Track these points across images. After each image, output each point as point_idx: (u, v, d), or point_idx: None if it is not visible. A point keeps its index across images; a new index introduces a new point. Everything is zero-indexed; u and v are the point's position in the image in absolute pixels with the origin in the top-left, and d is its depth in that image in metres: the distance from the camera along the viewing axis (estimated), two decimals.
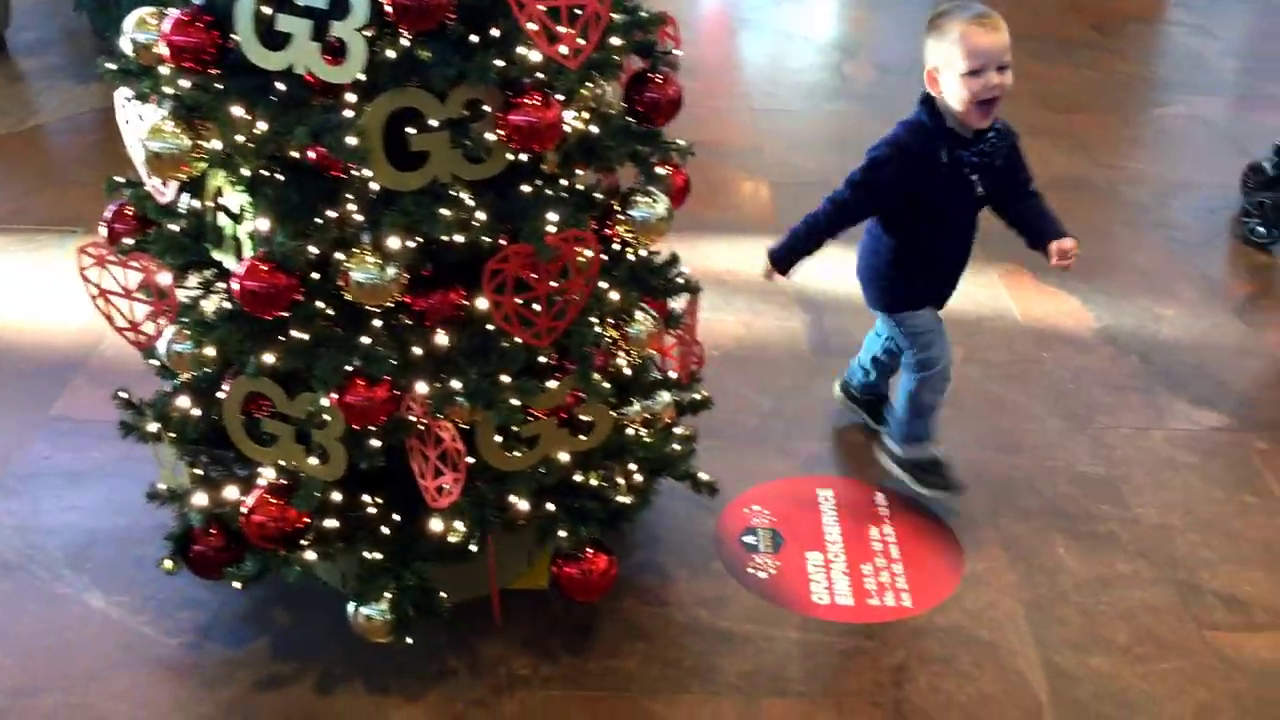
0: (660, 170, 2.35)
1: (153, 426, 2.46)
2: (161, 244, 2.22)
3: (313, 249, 2.06)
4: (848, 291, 3.99)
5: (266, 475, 2.32)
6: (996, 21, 2.58)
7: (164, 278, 2.27)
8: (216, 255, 2.23)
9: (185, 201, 2.28)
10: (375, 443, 2.20)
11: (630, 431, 2.52)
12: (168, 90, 2.07)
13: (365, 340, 2.13)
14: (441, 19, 1.96)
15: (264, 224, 2.05)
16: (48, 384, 3.33)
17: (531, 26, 1.94)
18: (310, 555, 2.30)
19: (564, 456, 2.37)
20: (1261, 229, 4.39)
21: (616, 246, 2.45)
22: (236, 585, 2.33)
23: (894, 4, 7.84)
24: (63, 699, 2.35)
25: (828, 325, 3.83)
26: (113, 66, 2.21)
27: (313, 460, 2.20)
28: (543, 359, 2.30)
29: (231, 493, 2.38)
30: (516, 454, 2.28)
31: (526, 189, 2.17)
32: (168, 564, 2.39)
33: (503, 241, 2.12)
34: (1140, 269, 4.25)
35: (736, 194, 4.82)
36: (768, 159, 5.17)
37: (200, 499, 2.37)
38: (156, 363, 2.45)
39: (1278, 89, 6.22)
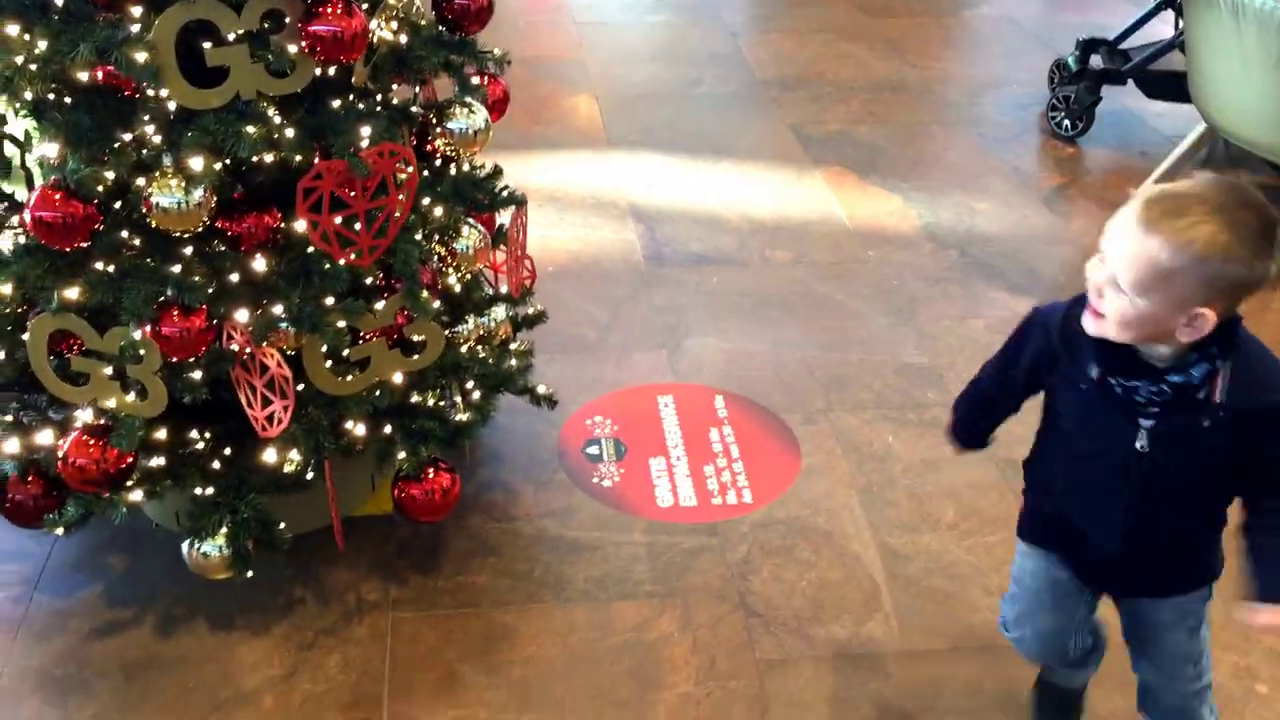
0: (476, 80, 2.30)
1: None
2: None
3: (109, 174, 1.96)
4: (682, 203, 4.04)
5: (82, 417, 2.22)
6: (1152, 209, 1.51)
7: None
8: (5, 186, 2.10)
9: None
10: (196, 375, 2.12)
11: (465, 349, 2.50)
12: None
13: (176, 269, 2.05)
14: None
15: (53, 150, 1.94)
16: None
17: None
18: (136, 495, 2.22)
19: (398, 378, 2.33)
20: (1067, 122, 4.57)
21: (438, 162, 2.41)
22: (59, 532, 2.23)
23: None
24: None
25: (660, 235, 3.84)
26: None
27: (130, 397, 2.11)
28: (368, 280, 2.26)
29: (46, 437, 2.27)
30: (348, 378, 2.24)
31: (336, 103, 2.10)
32: None
33: (315, 159, 2.05)
34: (955, 166, 4.39)
35: (563, 109, 4.77)
36: (592, 72, 5.12)
37: (12, 446, 2.26)
38: None
39: None
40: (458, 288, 2.50)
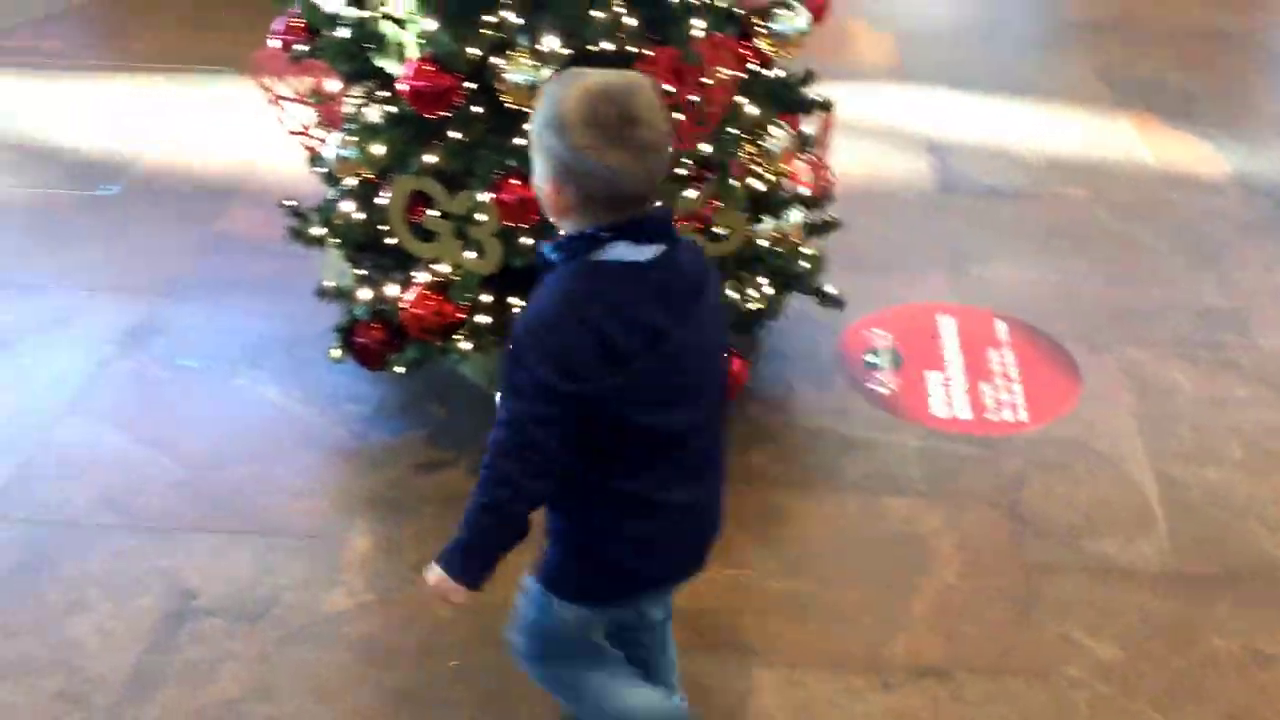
0: None
1: (318, 231, 2.67)
2: (331, 50, 2.38)
3: (473, 50, 2.20)
4: (976, 137, 4.04)
5: (422, 277, 2.50)
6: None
7: (332, 84, 2.44)
8: (380, 62, 2.38)
9: (351, 14, 2.43)
10: (528, 240, 2.36)
11: (763, 244, 2.64)
12: None
13: (519, 141, 2.28)
14: None
15: (430, 24, 2.20)
16: (207, 205, 3.57)
17: None
18: (465, 345, 2.49)
19: None
20: None
21: (755, 66, 2.56)
22: (399, 370, 2.53)
23: None
24: (248, 471, 2.60)
25: (953, 166, 3.87)
26: None
27: (470, 254, 2.37)
28: (682, 170, 2.43)
29: (392, 290, 2.57)
30: None
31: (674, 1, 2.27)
32: (335, 353, 2.61)
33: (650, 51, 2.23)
34: (1276, 116, 4.18)
35: (863, 44, 4.82)
36: (895, 8, 5.14)
37: (365, 294, 2.57)
38: (322, 170, 2.64)
39: None
40: (762, 186, 2.64)
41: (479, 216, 2.32)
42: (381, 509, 2.53)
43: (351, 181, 2.57)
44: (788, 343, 3.01)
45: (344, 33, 2.38)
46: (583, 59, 2.25)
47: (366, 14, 2.38)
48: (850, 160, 3.86)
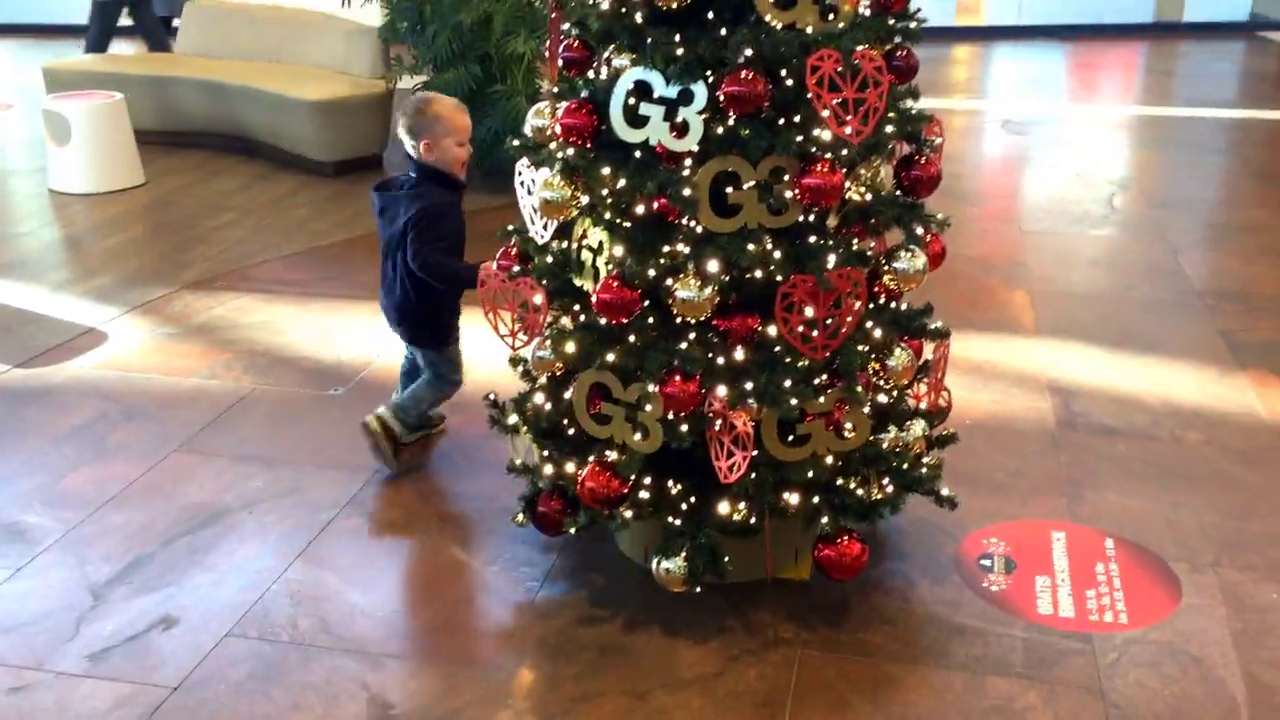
0: (919, 230, 2.96)
1: (512, 419, 3.24)
2: (540, 270, 3.00)
3: (650, 272, 2.78)
4: (1099, 383, 4.42)
5: (593, 458, 3.02)
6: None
7: (537, 298, 3.05)
8: (577, 281, 2.99)
9: (556, 245, 3.07)
10: (684, 427, 2.86)
11: (886, 445, 3.08)
12: (557, 155, 2.87)
13: (683, 346, 2.82)
14: (759, 105, 2.68)
15: (619, 251, 2.80)
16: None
17: (825, 113, 2.62)
18: (627, 514, 2.96)
19: (830, 459, 2.96)
20: None
21: (882, 299, 3.07)
22: (572, 531, 3.02)
23: (1175, 148, 8.19)
24: (439, 612, 3.09)
25: (1075, 407, 4.25)
26: (516, 143, 3.05)
27: (637, 436, 2.88)
28: (819, 378, 2.92)
29: (570, 468, 3.09)
30: (793, 448, 2.89)
31: (813, 239, 2.83)
32: (519, 518, 3.12)
33: (792, 277, 2.78)
34: None
35: (999, 300, 5.32)
36: (1031, 273, 5.65)
37: (548, 469, 3.10)
38: (520, 370, 3.23)
39: None
40: (884, 399, 3.11)
41: (646, 406, 2.84)
42: (548, 650, 2.96)
43: (543, 379, 3.15)
44: (909, 543, 3.39)
45: (549, 258, 3.01)
46: (736, 284, 2.81)
47: (568, 244, 3.01)
48: (975, 398, 4.32)
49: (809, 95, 2.62)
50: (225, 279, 5.58)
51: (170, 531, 3.46)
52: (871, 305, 3.01)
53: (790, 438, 2.89)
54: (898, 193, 2.98)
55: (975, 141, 8.56)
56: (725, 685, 2.84)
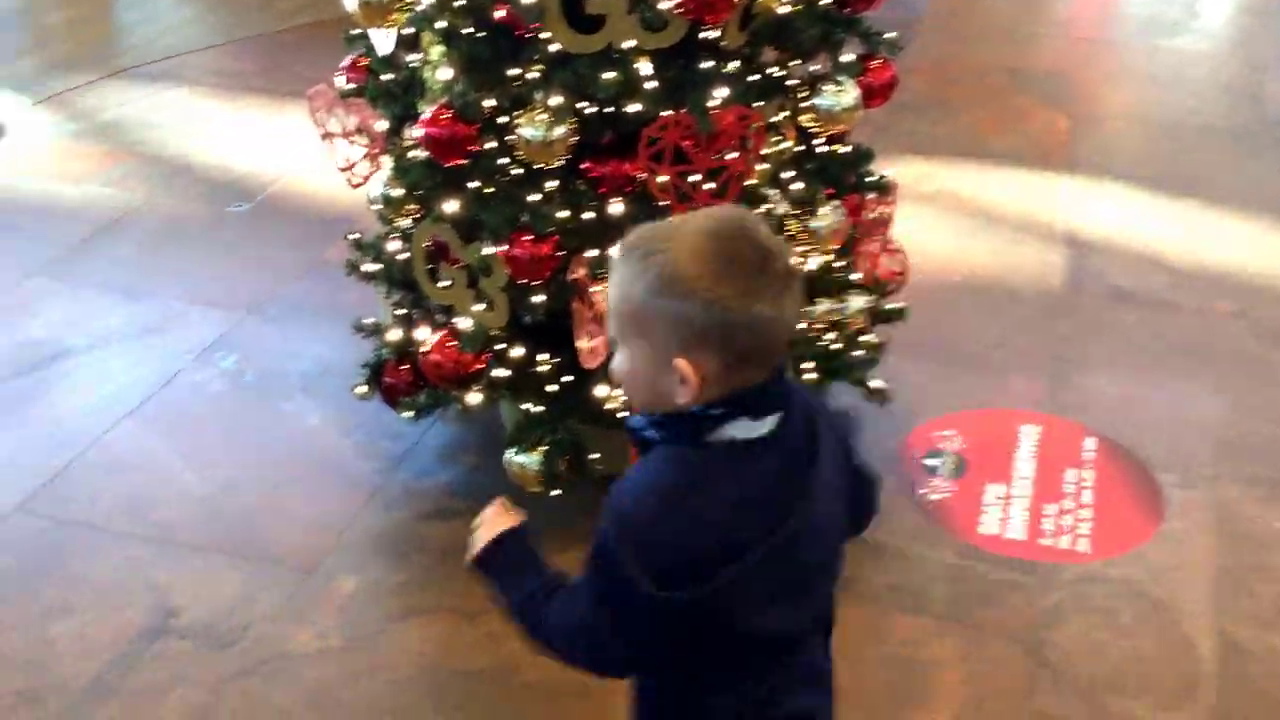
0: (848, 57, 2.28)
1: (371, 267, 2.69)
2: (375, 92, 2.40)
3: (490, 103, 2.17)
4: (1122, 234, 3.73)
5: (458, 323, 2.48)
6: (626, 241, 1.35)
7: (380, 124, 2.45)
8: (422, 107, 2.38)
9: (406, 60, 2.45)
10: (538, 298, 2.30)
11: (810, 329, 2.49)
12: None
13: (535, 197, 2.23)
14: None
15: (447, 73, 2.18)
16: (320, 231, 3.66)
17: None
18: (475, 398, 2.44)
19: None
20: None
21: (816, 142, 2.42)
22: (406, 415, 2.52)
23: None
24: (265, 498, 2.64)
25: (1088, 264, 3.58)
26: None
27: (478, 306, 2.33)
28: None
29: (423, 333, 2.55)
30: None
31: (706, 65, 2.18)
32: (360, 389, 2.61)
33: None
34: None
35: (1031, 124, 4.54)
36: (1076, 90, 4.84)
37: (395, 334, 2.57)
38: (377, 207, 2.66)
39: None
40: (812, 266, 2.50)
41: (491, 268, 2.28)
42: (379, 553, 2.51)
43: (405, 222, 2.58)
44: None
45: (390, 76, 2.40)
46: (597, 119, 2.18)
47: (415, 59, 2.39)
48: (973, 247, 3.66)
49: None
50: (160, 66, 4.99)
51: None
52: (798, 146, 2.37)
53: None
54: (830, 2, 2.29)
55: None
56: None
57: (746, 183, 2.21)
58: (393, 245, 2.59)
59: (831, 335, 2.53)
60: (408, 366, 2.59)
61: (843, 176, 2.43)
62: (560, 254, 2.25)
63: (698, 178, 2.17)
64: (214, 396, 2.97)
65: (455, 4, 2.18)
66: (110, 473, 2.69)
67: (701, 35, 2.16)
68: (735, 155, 2.15)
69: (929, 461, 2.77)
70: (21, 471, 2.68)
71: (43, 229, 3.70)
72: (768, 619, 1.26)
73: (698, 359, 1.17)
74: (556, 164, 2.19)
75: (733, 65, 2.19)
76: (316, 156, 3.83)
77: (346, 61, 2.59)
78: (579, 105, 2.13)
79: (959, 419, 2.91)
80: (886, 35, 2.34)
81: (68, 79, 4.83)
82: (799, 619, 1.31)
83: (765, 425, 1.22)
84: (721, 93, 2.12)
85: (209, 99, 4.68)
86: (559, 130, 2.13)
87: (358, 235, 2.82)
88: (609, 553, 1.22)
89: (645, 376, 1.22)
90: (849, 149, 2.43)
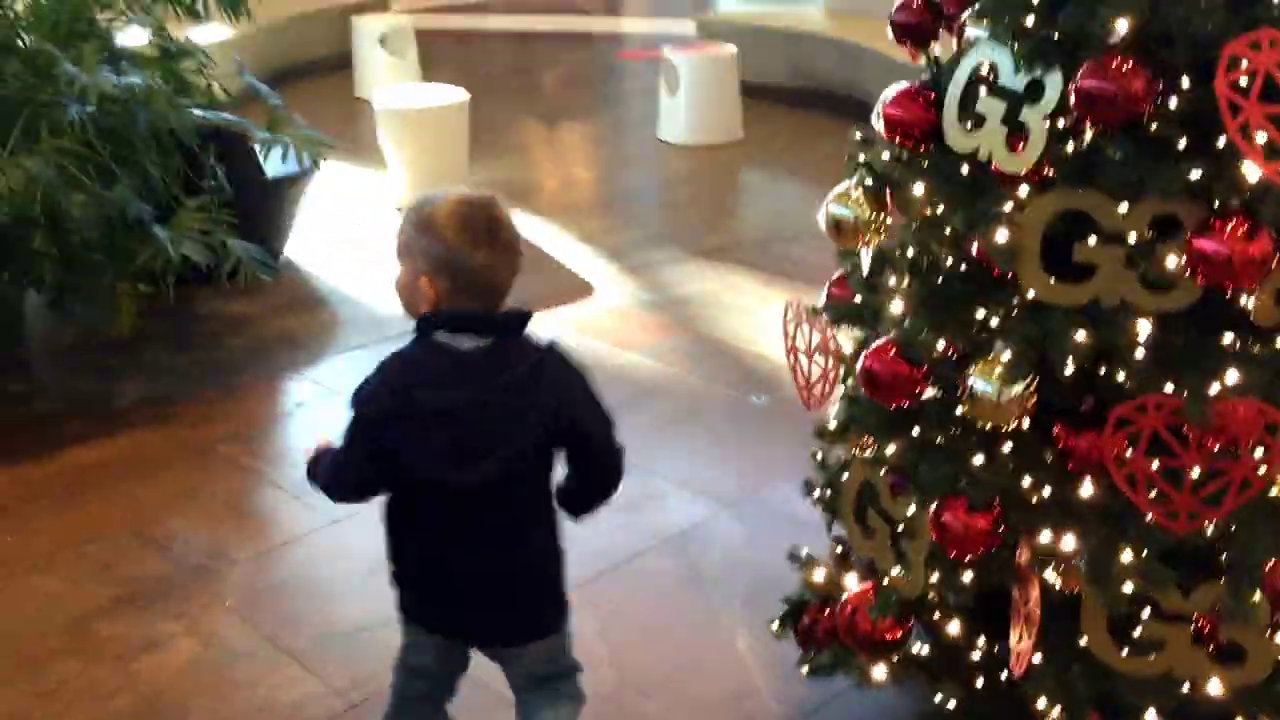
0: None
1: (818, 492, 2.47)
2: (840, 312, 2.22)
3: (941, 344, 1.89)
4: None
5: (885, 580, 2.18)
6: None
7: (846, 346, 2.26)
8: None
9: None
10: (965, 576, 1.94)
11: None
12: (861, 158, 2.04)
13: (979, 459, 1.89)
14: (1137, 113, 1.65)
15: (899, 307, 1.94)
16: None
17: (1242, 138, 1.54)
18: (879, 672, 2.11)
19: (1213, 689, 1.84)
20: None
21: None
22: (803, 670, 2.23)
23: None
24: (656, 704, 2.48)
25: None
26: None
27: (896, 570, 2.02)
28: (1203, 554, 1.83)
29: (851, 581, 2.28)
30: (1132, 656, 1.84)
31: (1228, 339, 1.73)
32: (774, 626, 2.38)
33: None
34: None
35: None
36: None
37: (818, 574, 2.32)
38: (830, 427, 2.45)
39: None
40: None
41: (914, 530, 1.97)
42: None
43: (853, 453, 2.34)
44: None
45: (860, 299, 2.20)
46: (1075, 382, 1.81)
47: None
48: None
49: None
50: (740, 251, 5.19)
51: None
52: None
53: (1131, 639, 1.84)
54: None
55: None
56: None
57: (1258, 493, 1.71)
58: (845, 475, 2.36)
59: None
60: (829, 613, 2.33)
61: None
62: (1001, 530, 1.89)
63: (1194, 474, 1.72)
64: (662, 590, 2.90)
65: (925, 232, 1.95)
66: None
67: (1228, 302, 1.73)
68: (1241, 459, 1.66)
69: None
70: None
71: None
72: (430, 467, 1.81)
73: (435, 282, 1.78)
74: (1012, 425, 1.85)
75: (1261, 346, 1.72)
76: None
77: (835, 276, 2.44)
78: (1041, 362, 1.78)
79: None
80: None
81: (650, 254, 5.16)
82: (463, 478, 1.80)
83: (465, 341, 1.79)
84: (1232, 376, 1.66)
85: (774, 287, 4.75)
86: (1016, 388, 1.79)
87: (821, 455, 2.62)
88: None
89: (407, 289, 1.84)
90: None
